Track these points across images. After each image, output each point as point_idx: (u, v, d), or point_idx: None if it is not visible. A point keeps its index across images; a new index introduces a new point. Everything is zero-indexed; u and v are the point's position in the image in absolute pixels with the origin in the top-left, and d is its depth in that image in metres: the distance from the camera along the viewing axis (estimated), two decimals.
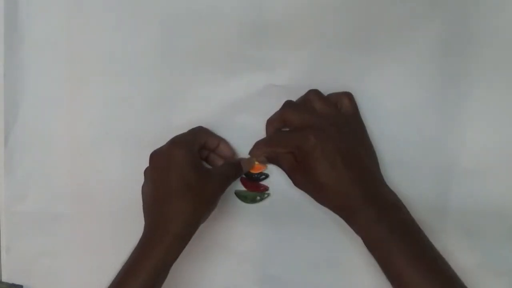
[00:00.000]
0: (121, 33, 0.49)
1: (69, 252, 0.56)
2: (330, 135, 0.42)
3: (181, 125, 0.48)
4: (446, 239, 0.45)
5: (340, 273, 0.50)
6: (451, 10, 0.43)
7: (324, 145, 0.41)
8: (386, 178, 0.44)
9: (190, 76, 0.49)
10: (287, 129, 0.46)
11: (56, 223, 0.55)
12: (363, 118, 0.46)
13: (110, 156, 0.52)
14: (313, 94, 0.45)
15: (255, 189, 0.50)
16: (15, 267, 0.57)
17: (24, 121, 0.53)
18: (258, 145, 0.47)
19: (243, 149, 0.49)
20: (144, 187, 0.47)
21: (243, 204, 0.51)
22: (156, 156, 0.46)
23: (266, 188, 0.50)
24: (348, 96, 0.45)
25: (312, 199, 0.44)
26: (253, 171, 0.49)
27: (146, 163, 0.47)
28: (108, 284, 0.43)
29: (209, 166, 0.49)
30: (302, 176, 0.44)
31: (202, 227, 0.44)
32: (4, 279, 0.57)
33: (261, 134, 0.48)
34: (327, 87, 0.46)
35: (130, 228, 0.47)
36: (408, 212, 0.42)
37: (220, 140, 0.48)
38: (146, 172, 0.47)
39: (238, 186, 0.50)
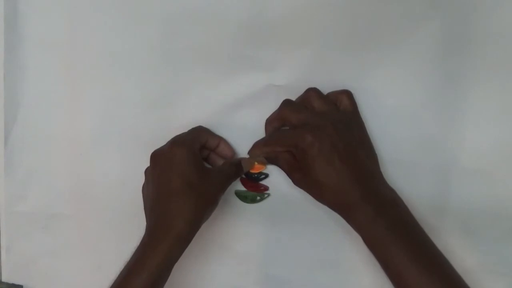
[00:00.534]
0: (121, 33, 0.49)
1: (69, 252, 0.56)
2: (327, 133, 0.42)
3: (181, 125, 0.48)
4: (446, 238, 0.45)
5: (340, 273, 0.50)
6: (451, 10, 0.43)
7: (321, 143, 0.42)
8: (386, 177, 0.44)
9: (190, 76, 0.49)
10: (286, 128, 0.46)
11: (56, 223, 0.55)
12: (363, 117, 0.46)
13: (110, 156, 0.52)
14: (312, 92, 0.45)
15: (255, 189, 0.50)
16: (15, 267, 0.57)
17: (24, 121, 0.53)
18: (256, 145, 0.47)
19: (243, 149, 0.49)
20: (145, 187, 0.48)
21: (243, 204, 0.51)
22: (157, 156, 0.46)
23: (266, 188, 0.50)
24: (347, 94, 0.45)
25: (312, 199, 0.44)
26: (253, 171, 0.49)
27: (146, 163, 0.47)
28: (110, 284, 0.43)
29: (209, 166, 0.49)
30: (301, 175, 0.44)
31: (202, 227, 0.44)
32: (4, 279, 0.57)
33: (261, 133, 0.48)
34: (327, 87, 0.46)
35: (130, 228, 0.47)
36: (407, 209, 0.42)
37: (220, 139, 0.48)
38: (146, 172, 0.47)
39: (238, 186, 0.50)
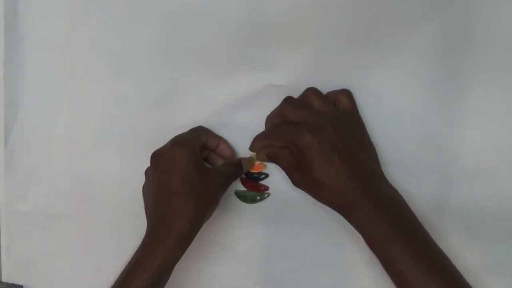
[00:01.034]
0: (121, 33, 0.49)
1: (69, 252, 0.56)
2: (326, 132, 0.42)
3: (181, 125, 0.48)
4: (446, 238, 0.45)
5: (340, 273, 0.50)
6: (451, 10, 0.43)
7: (320, 142, 0.42)
8: (386, 177, 0.44)
9: (190, 76, 0.49)
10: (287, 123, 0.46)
11: (56, 223, 0.55)
12: (363, 117, 0.46)
13: (110, 156, 0.52)
14: (311, 92, 0.45)
15: (255, 189, 0.50)
16: (15, 267, 0.57)
17: (24, 121, 0.53)
18: (257, 138, 0.47)
19: (243, 149, 0.49)
20: (145, 188, 0.48)
21: (243, 204, 0.51)
22: (158, 156, 0.46)
23: (266, 188, 0.50)
24: (347, 93, 0.45)
25: (312, 199, 0.44)
26: (253, 171, 0.49)
27: (146, 163, 0.47)
28: (111, 284, 0.43)
29: (209, 166, 0.49)
30: (300, 174, 0.44)
31: (202, 227, 0.44)
32: (4, 279, 0.57)
33: None
34: (327, 87, 0.46)
35: (130, 228, 0.47)
36: (408, 207, 0.42)
37: (220, 139, 0.48)
38: (147, 172, 0.47)
39: (238, 186, 0.50)
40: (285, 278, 0.51)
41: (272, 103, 0.47)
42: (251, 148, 0.47)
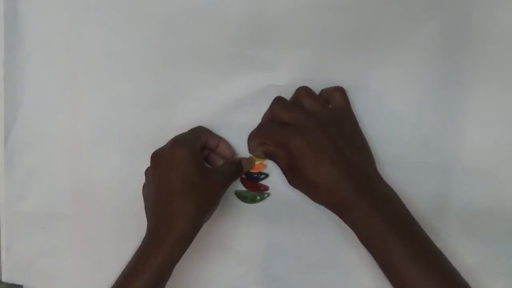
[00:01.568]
0: (121, 33, 0.49)
1: (69, 252, 0.56)
2: (315, 134, 0.42)
3: (181, 125, 0.48)
4: (446, 238, 0.45)
5: (340, 273, 0.50)
6: (451, 10, 0.43)
7: (308, 144, 0.42)
8: (385, 177, 0.44)
9: (190, 76, 0.49)
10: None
11: (56, 223, 0.55)
12: (363, 117, 0.46)
13: (110, 156, 0.52)
14: (302, 91, 0.46)
15: (255, 189, 0.50)
16: (15, 267, 0.57)
17: (24, 121, 0.53)
18: (249, 137, 0.47)
19: (243, 149, 0.49)
20: (145, 188, 0.48)
21: (243, 204, 0.51)
22: (158, 156, 0.46)
23: (266, 188, 0.50)
24: (340, 90, 0.45)
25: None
26: (253, 171, 0.49)
27: (146, 163, 0.47)
28: (111, 284, 0.43)
29: (209, 166, 0.49)
30: (294, 175, 0.44)
31: (202, 227, 0.44)
32: (4, 279, 0.57)
33: None
34: (327, 87, 0.46)
35: (130, 228, 0.47)
36: (404, 206, 0.42)
37: (220, 139, 0.48)
38: (147, 172, 0.47)
39: (238, 186, 0.50)
40: (285, 278, 0.51)
41: None
42: (249, 149, 0.48)
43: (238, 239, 0.52)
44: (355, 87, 0.46)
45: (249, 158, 0.49)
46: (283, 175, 0.46)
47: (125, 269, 0.43)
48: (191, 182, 0.43)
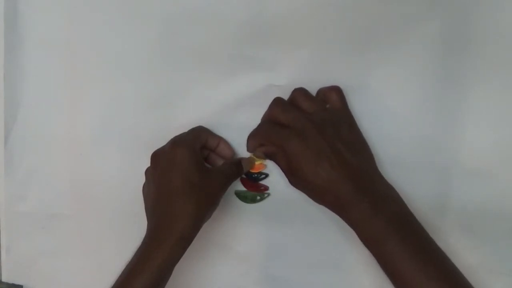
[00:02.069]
0: (121, 33, 0.49)
1: (69, 252, 0.56)
2: (312, 136, 0.42)
3: (181, 125, 0.48)
4: (446, 238, 0.45)
5: (340, 273, 0.50)
6: (451, 10, 0.43)
7: (306, 147, 0.42)
8: (386, 177, 0.44)
9: (190, 76, 0.49)
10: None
11: (56, 223, 0.55)
12: (363, 117, 0.46)
13: (110, 156, 0.52)
14: (299, 92, 0.46)
15: (255, 189, 0.50)
16: (15, 267, 0.57)
17: (24, 121, 0.53)
18: (249, 137, 0.47)
19: (243, 149, 0.49)
20: (145, 188, 0.48)
21: (243, 204, 0.51)
22: (158, 156, 0.46)
23: (266, 188, 0.50)
24: (336, 90, 0.45)
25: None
26: (253, 171, 0.49)
27: (146, 163, 0.47)
28: (112, 284, 0.43)
29: (209, 166, 0.49)
30: (294, 176, 0.44)
31: (202, 227, 0.44)
32: (4, 279, 0.57)
33: None
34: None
35: (130, 228, 0.47)
36: (404, 205, 0.42)
37: (220, 139, 0.48)
38: (147, 172, 0.47)
39: (238, 186, 0.50)
40: (285, 278, 0.51)
41: None
42: (247, 149, 0.48)
43: (238, 239, 0.52)
44: (355, 87, 0.46)
45: (249, 158, 0.49)
46: (283, 175, 0.46)
47: (125, 269, 0.43)
48: (191, 182, 0.43)
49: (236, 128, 0.49)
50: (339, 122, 0.44)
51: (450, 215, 0.47)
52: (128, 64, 0.49)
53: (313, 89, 0.47)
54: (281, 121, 0.44)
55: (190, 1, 0.47)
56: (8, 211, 0.55)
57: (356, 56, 0.46)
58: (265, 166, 0.49)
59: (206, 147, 0.48)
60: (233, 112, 0.49)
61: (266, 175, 0.50)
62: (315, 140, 0.42)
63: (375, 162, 0.45)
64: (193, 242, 0.43)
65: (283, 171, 0.45)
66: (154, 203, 0.45)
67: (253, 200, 0.50)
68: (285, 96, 0.47)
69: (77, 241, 0.55)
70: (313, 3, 0.45)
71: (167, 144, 0.46)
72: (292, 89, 0.47)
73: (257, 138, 0.47)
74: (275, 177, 0.49)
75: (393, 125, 0.46)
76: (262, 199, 0.50)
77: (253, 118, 0.48)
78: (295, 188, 0.45)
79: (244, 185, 0.50)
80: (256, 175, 0.50)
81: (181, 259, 0.43)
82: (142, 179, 0.48)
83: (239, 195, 0.51)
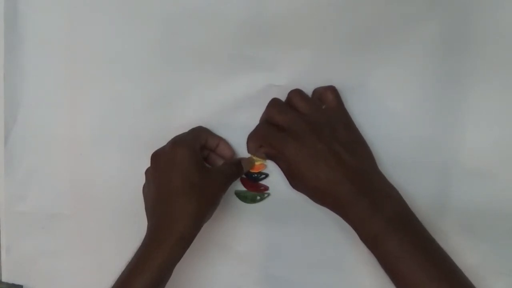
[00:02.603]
0: (121, 33, 0.49)
1: (69, 252, 0.56)
2: (309, 139, 0.42)
3: (181, 125, 0.48)
4: (446, 239, 0.45)
5: (340, 273, 0.50)
6: (451, 10, 0.43)
7: (303, 151, 0.42)
8: (386, 177, 0.44)
9: (190, 76, 0.49)
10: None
11: (56, 223, 0.55)
12: (363, 117, 0.46)
13: (110, 156, 0.52)
14: (295, 93, 0.46)
15: (255, 189, 0.50)
16: (15, 267, 0.57)
17: (24, 121, 0.53)
18: (248, 139, 0.47)
19: (243, 149, 0.49)
20: (145, 188, 0.48)
21: (243, 204, 0.51)
22: (158, 156, 0.46)
23: (266, 188, 0.50)
24: (331, 90, 0.45)
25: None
26: (253, 171, 0.49)
27: (146, 163, 0.47)
28: (112, 284, 0.43)
29: (209, 166, 0.49)
30: (294, 179, 0.44)
31: (202, 227, 0.44)
32: (4, 279, 0.57)
33: None
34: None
35: (130, 228, 0.47)
36: (405, 204, 0.42)
37: (220, 139, 0.48)
38: (147, 172, 0.47)
39: (238, 186, 0.50)
40: (285, 278, 0.51)
41: None
42: (248, 150, 0.48)
43: (238, 239, 0.52)
44: (355, 87, 0.46)
45: (249, 158, 0.49)
46: (283, 175, 0.46)
47: (125, 269, 0.43)
48: (191, 182, 0.43)
49: (236, 128, 0.49)
50: (335, 122, 0.44)
51: (450, 215, 0.47)
52: (128, 64, 0.49)
53: (313, 89, 0.47)
54: (277, 122, 0.44)
55: (190, 1, 0.47)
56: (8, 211, 0.55)
57: (356, 56, 0.46)
58: (265, 166, 0.49)
59: (206, 147, 0.48)
60: (233, 112, 0.49)
61: (266, 175, 0.50)
62: (312, 142, 0.42)
63: (375, 161, 0.45)
64: (193, 242, 0.43)
65: (284, 173, 0.46)
66: (154, 203, 0.45)
67: (253, 200, 0.50)
68: (285, 96, 0.47)
69: (77, 241, 0.55)
70: (313, 3, 0.45)
71: (167, 144, 0.46)
72: (292, 89, 0.47)
73: (256, 140, 0.47)
74: (275, 177, 0.49)
75: (393, 125, 0.46)
76: (262, 199, 0.50)
77: (253, 118, 0.48)
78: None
79: (244, 185, 0.50)
80: (256, 175, 0.50)
81: (181, 259, 0.43)
82: (142, 179, 0.48)
83: (239, 195, 0.51)
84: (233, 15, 0.46)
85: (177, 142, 0.45)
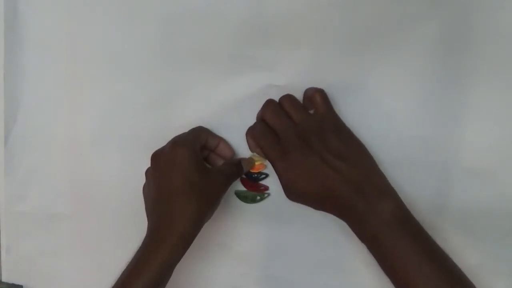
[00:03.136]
0: (121, 33, 0.49)
1: (69, 252, 0.56)
2: (300, 151, 0.42)
3: (181, 125, 0.48)
4: (446, 238, 0.45)
5: (340, 273, 0.50)
6: (451, 10, 0.43)
7: (295, 164, 0.42)
8: (386, 177, 0.44)
9: (190, 76, 0.49)
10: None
11: (56, 223, 0.55)
12: (363, 117, 0.46)
13: (110, 156, 0.52)
14: (285, 100, 0.46)
15: (255, 189, 0.50)
16: (15, 267, 0.57)
17: (24, 121, 0.53)
18: (247, 136, 0.48)
19: (243, 149, 0.49)
20: (146, 188, 0.48)
21: (243, 204, 0.51)
22: (158, 156, 0.46)
23: (266, 188, 0.50)
24: (320, 93, 0.45)
25: None
26: (253, 171, 0.49)
27: (146, 163, 0.47)
28: (112, 284, 0.43)
29: (209, 166, 0.49)
30: (291, 194, 0.44)
31: (202, 227, 0.44)
32: (4, 279, 0.57)
33: None
34: (327, 87, 0.46)
35: (130, 228, 0.47)
36: (403, 204, 0.42)
37: (220, 139, 0.48)
38: (147, 172, 0.47)
39: (238, 186, 0.50)
40: (285, 278, 0.51)
41: None
42: (249, 147, 0.48)
43: (238, 239, 0.52)
44: (355, 87, 0.46)
45: (249, 158, 0.49)
46: None
47: (125, 269, 0.43)
48: (191, 182, 0.43)
49: (236, 128, 0.49)
50: (326, 129, 0.44)
51: (450, 215, 0.47)
52: (128, 64, 0.49)
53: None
54: (271, 124, 0.45)
55: (190, 1, 0.47)
56: (8, 211, 0.55)
57: (356, 56, 0.46)
58: (265, 166, 0.49)
59: (206, 147, 0.48)
60: (233, 112, 0.49)
61: (266, 175, 0.50)
62: (303, 155, 0.42)
63: (373, 159, 0.44)
64: (193, 242, 0.43)
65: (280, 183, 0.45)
66: (154, 203, 0.45)
67: (253, 200, 0.50)
68: None
69: (77, 241, 0.55)
70: (313, 3, 0.45)
71: (167, 144, 0.46)
72: (292, 89, 0.47)
73: (254, 138, 0.47)
74: (275, 177, 0.49)
75: (393, 125, 0.46)
76: (262, 199, 0.50)
77: (253, 118, 0.48)
78: None
79: (244, 185, 0.50)
80: (256, 175, 0.50)
81: (182, 259, 0.43)
82: (142, 179, 0.48)
83: (239, 195, 0.51)
84: (233, 15, 0.46)
85: (177, 142, 0.45)
